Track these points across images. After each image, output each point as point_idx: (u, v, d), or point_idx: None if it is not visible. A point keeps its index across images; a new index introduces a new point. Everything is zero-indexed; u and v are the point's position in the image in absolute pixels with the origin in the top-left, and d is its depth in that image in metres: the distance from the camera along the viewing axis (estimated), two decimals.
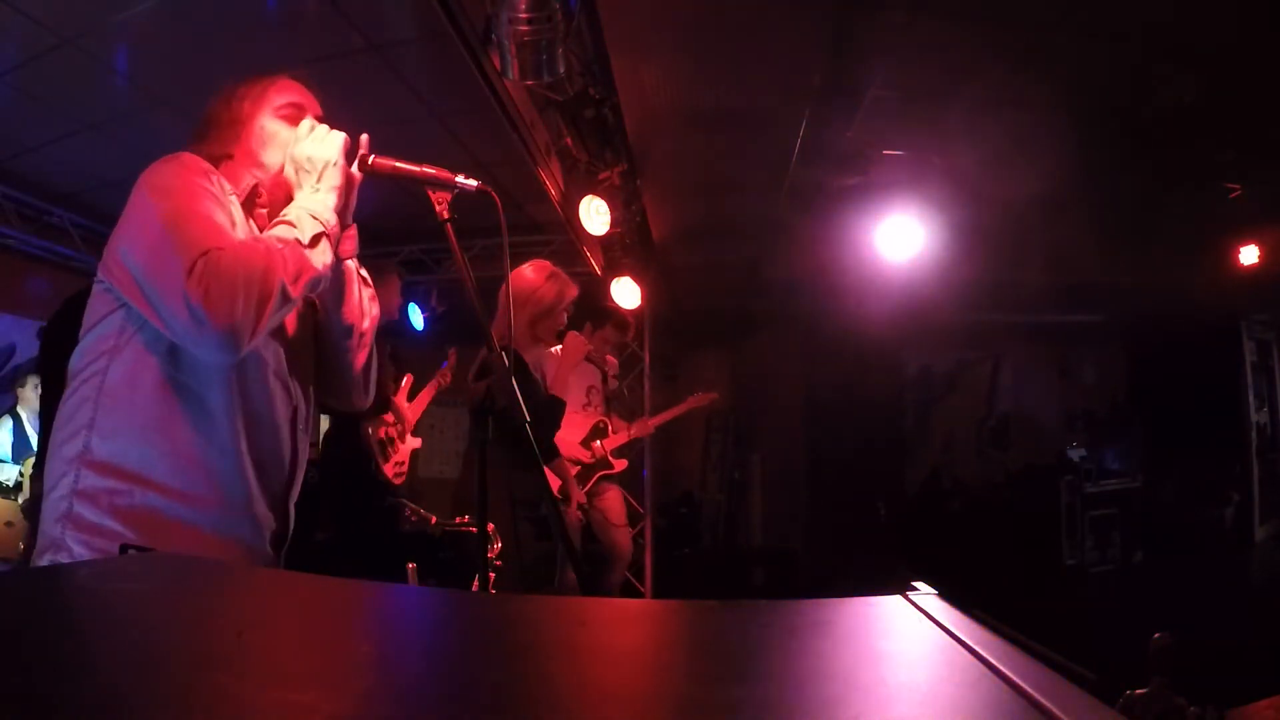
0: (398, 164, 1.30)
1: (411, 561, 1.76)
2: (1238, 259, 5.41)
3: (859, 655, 0.59)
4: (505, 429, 1.46)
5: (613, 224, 3.89)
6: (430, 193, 1.30)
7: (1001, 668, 0.48)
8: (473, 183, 1.30)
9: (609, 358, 4.18)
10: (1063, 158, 3.85)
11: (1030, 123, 3.61)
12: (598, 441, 4.01)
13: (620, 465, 4.08)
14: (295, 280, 1.14)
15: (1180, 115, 3.69)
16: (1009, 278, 5.81)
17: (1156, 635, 2.00)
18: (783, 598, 0.69)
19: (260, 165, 1.31)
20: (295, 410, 1.31)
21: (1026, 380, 7.64)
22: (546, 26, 2.23)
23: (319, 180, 1.26)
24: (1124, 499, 6.53)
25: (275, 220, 1.22)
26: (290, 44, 3.15)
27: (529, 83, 2.65)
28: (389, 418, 3.70)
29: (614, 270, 4.65)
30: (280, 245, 1.15)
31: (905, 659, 0.56)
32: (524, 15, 2.19)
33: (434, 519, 2.27)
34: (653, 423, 4.31)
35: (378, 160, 1.31)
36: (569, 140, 3.58)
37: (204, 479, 1.16)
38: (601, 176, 3.71)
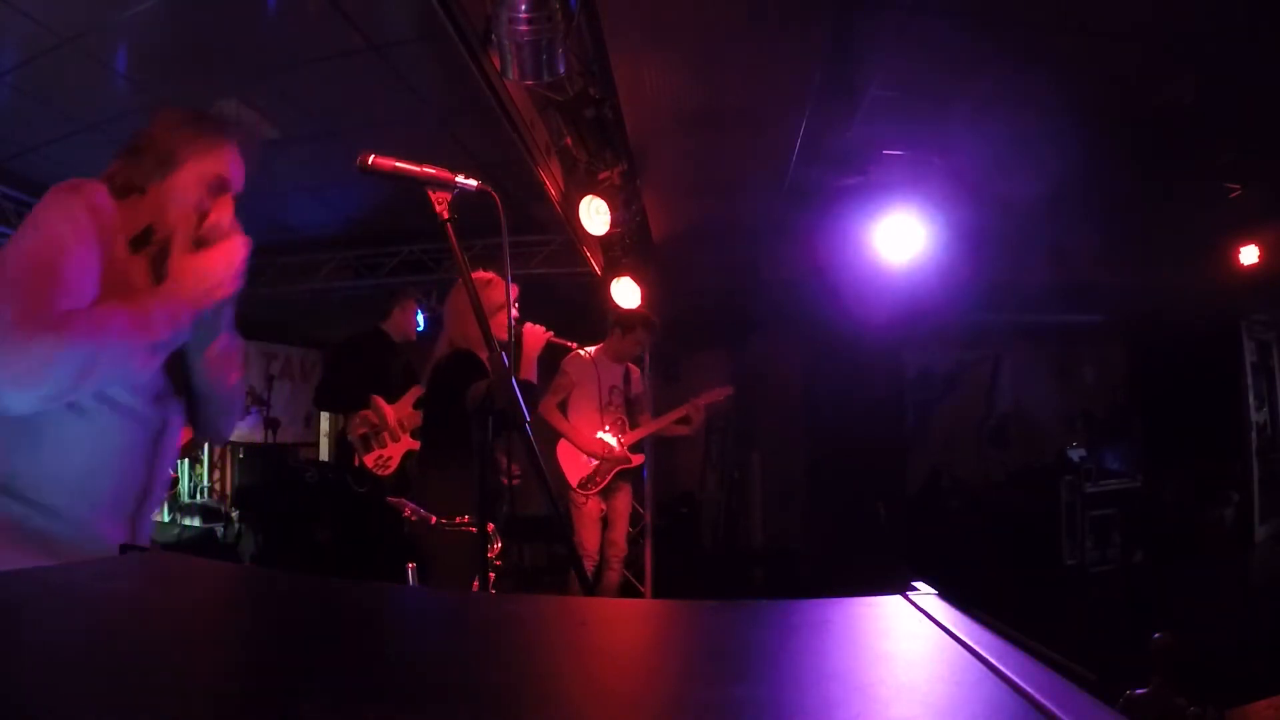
0: (398, 164, 1.30)
1: (411, 561, 1.76)
2: (1238, 259, 5.41)
3: (859, 655, 0.59)
4: (501, 429, 1.46)
5: (613, 224, 3.89)
6: (430, 193, 1.30)
7: (1001, 668, 0.48)
8: (473, 183, 1.30)
9: (630, 366, 4.18)
10: (1063, 158, 3.85)
11: (1030, 123, 3.61)
12: (613, 439, 4.02)
13: (638, 459, 4.10)
14: (117, 364, 1.13)
15: (1180, 115, 3.69)
16: (1009, 278, 5.80)
17: (1156, 635, 2.01)
18: (783, 598, 0.69)
19: (162, 216, 1.27)
20: (164, 425, 1.29)
21: (1026, 380, 7.63)
22: (546, 26, 2.23)
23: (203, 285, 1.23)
24: (1124, 499, 6.52)
25: (138, 299, 1.19)
26: (290, 44, 3.15)
27: (529, 83, 2.66)
28: (370, 416, 3.80)
29: (614, 270, 4.65)
30: (118, 326, 1.12)
31: (905, 659, 0.56)
32: (524, 15, 2.19)
33: (434, 519, 2.27)
34: (667, 419, 4.31)
35: (378, 160, 1.30)
36: (569, 140, 3.58)
37: (62, 492, 1.18)
38: (601, 176, 3.71)
